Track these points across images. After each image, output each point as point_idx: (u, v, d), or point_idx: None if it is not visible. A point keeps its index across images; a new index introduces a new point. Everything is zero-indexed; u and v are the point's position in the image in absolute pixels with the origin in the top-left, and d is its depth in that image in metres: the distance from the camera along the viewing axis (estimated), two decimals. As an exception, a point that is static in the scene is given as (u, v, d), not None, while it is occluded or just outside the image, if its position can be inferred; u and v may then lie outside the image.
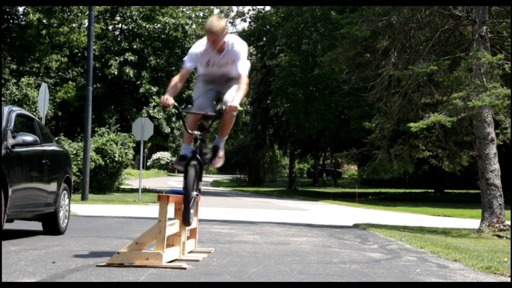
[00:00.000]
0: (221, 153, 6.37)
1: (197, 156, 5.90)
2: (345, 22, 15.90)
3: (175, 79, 6.02)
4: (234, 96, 6.02)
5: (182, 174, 5.95)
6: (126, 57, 28.38)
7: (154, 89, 28.90)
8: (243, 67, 6.10)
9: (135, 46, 28.72)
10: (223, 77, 6.28)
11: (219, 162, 6.36)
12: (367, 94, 14.91)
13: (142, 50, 29.15)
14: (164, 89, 29.70)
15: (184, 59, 6.15)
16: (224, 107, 5.91)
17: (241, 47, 6.12)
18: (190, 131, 6.01)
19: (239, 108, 5.96)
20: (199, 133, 5.96)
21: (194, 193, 5.84)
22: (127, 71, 27.92)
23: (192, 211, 5.80)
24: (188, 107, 5.79)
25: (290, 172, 48.28)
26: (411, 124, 12.34)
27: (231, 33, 6.19)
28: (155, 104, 28.85)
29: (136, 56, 28.71)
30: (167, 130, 29.10)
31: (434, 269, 5.82)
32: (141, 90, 28.62)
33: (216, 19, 5.94)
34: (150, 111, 28.51)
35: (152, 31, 29.23)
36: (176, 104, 5.87)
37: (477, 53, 12.08)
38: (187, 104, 29.01)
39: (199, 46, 6.15)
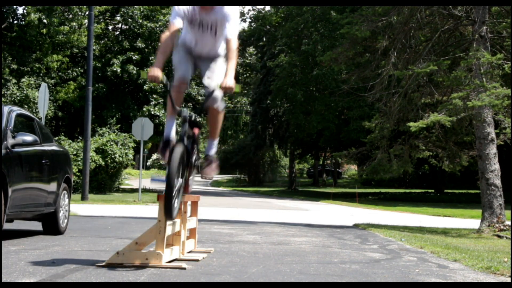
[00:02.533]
0: (214, 163, 5.74)
1: (183, 141, 5.22)
2: (345, 22, 15.90)
3: (163, 41, 5.38)
4: (226, 72, 5.27)
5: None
6: (129, 56, 28.45)
7: (159, 85, 28.98)
8: (233, 29, 5.38)
9: (139, 45, 28.77)
10: (206, 48, 5.63)
11: (212, 172, 5.72)
12: (367, 94, 14.91)
13: (144, 49, 29.20)
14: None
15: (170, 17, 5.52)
16: (218, 85, 5.21)
17: (232, 8, 5.48)
18: (176, 108, 5.33)
19: (235, 88, 5.18)
20: (188, 111, 5.28)
21: (180, 180, 5.14)
22: (130, 68, 27.98)
23: (176, 203, 5.07)
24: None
25: (290, 172, 48.28)
26: (411, 124, 12.34)
27: None
28: (156, 102, 28.88)
29: (140, 56, 28.77)
30: None
31: (434, 269, 5.82)
32: (145, 87, 28.73)
33: None
34: (151, 110, 28.54)
35: (152, 30, 29.27)
36: (166, 79, 5.21)
37: (477, 53, 12.07)
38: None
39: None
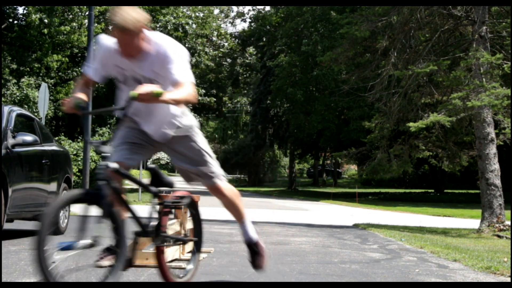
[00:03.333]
0: (259, 246, 4.33)
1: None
2: (345, 22, 15.90)
3: (76, 88, 4.10)
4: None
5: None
6: None
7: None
8: (180, 71, 3.80)
9: None
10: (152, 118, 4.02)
11: (263, 261, 4.32)
12: (367, 94, 14.90)
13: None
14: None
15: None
16: (132, 94, 3.57)
17: (173, 49, 3.87)
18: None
19: (156, 91, 3.52)
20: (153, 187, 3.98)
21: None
22: None
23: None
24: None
25: (290, 172, 48.29)
26: (411, 124, 12.35)
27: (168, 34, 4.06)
28: None
29: None
30: None
31: (434, 269, 5.82)
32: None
33: (130, 9, 3.73)
34: None
35: (152, 30, 29.29)
36: (82, 105, 3.84)
37: (477, 53, 12.07)
38: None
39: (104, 45, 3.99)
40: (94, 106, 24.87)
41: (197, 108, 32.48)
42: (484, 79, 12.15)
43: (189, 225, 6.42)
